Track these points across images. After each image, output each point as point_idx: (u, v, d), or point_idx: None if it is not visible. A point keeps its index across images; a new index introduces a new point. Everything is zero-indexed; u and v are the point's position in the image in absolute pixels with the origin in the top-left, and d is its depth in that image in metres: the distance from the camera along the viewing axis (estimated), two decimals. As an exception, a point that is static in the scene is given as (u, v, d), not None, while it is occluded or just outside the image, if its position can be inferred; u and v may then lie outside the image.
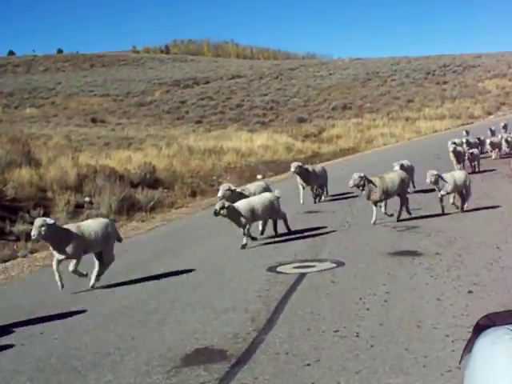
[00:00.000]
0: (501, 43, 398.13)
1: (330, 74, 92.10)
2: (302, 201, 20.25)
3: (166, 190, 25.38)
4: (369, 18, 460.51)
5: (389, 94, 74.05)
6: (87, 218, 18.57)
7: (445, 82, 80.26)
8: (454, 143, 25.08)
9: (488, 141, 28.64)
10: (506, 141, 28.72)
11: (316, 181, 20.86)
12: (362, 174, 15.90)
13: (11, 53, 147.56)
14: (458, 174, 17.21)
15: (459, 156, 23.46)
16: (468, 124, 54.58)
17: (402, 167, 19.30)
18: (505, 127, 34.52)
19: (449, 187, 16.48)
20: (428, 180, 16.61)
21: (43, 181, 22.02)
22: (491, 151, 28.93)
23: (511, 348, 2.01)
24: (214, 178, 30.76)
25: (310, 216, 18.32)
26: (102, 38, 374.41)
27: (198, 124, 61.39)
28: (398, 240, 14.00)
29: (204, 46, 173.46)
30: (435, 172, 16.70)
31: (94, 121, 61.25)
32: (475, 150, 25.09)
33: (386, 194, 16.21)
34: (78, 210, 20.38)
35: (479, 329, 2.25)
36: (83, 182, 22.79)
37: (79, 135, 46.67)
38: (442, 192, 16.59)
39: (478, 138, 28.59)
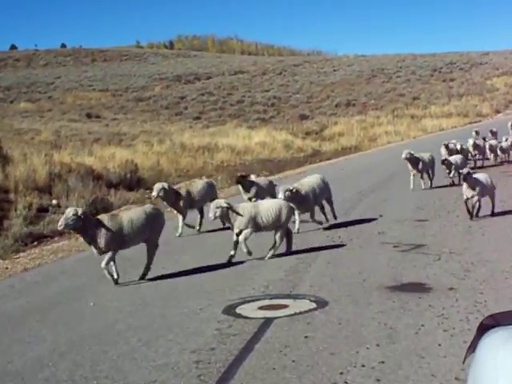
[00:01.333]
0: (508, 41, 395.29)
1: (335, 71, 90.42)
2: None
3: (148, 191, 23.21)
4: (375, 15, 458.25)
5: (394, 90, 72.36)
6: (48, 224, 16.79)
7: (451, 80, 78.50)
8: (447, 146, 23.83)
9: (487, 144, 26.08)
10: (501, 148, 26.14)
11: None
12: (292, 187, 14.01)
13: (13, 47, 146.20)
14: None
15: (413, 163, 20.91)
16: (476, 122, 52.98)
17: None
18: (494, 134, 32.46)
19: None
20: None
21: (8, 180, 19.87)
22: (490, 155, 26.40)
23: None
24: (205, 177, 28.68)
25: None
26: (106, 34, 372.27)
27: (197, 120, 60.17)
28: (400, 266, 10.94)
29: (208, 42, 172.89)
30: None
31: (89, 116, 59.67)
32: (456, 157, 21.97)
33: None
34: (40, 215, 17.91)
35: (483, 329, 2.24)
36: (53, 182, 20.64)
37: (70, 130, 45.03)
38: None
39: (461, 145, 24.96)
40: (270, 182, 17.78)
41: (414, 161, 20.90)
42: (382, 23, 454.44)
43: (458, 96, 66.98)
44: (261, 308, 9.21)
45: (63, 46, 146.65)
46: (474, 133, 30.86)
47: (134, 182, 24.23)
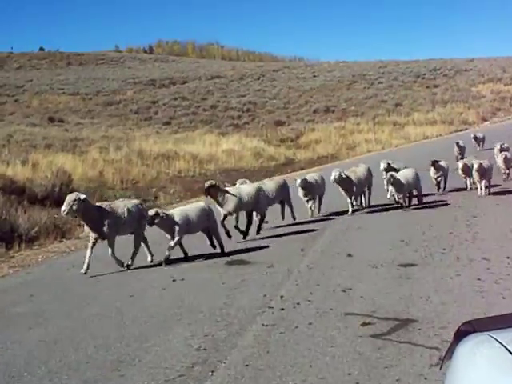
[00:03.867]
0: (493, 48, 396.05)
1: (315, 77, 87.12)
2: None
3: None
4: (358, 22, 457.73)
5: (375, 96, 69.06)
6: None
7: (435, 86, 75.27)
8: (388, 165, 19.07)
9: (460, 164, 20.42)
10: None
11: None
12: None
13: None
14: None
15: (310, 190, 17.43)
16: (462, 130, 49.87)
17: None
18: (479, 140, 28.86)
19: None
20: None
21: None
22: (464, 177, 20.74)
23: (491, 354, 2.08)
24: (154, 189, 25.28)
25: (227, 271, 11.70)
26: (86, 38, 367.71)
27: (166, 125, 57.32)
28: (370, 374, 6.38)
29: (188, 48, 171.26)
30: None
31: (51, 120, 56.17)
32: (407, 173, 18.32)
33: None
34: None
35: (460, 335, 2.35)
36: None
37: (23, 135, 41.43)
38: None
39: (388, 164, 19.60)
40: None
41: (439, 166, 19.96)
42: (364, 31, 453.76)
43: (443, 103, 63.77)
44: None
45: (41, 49, 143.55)
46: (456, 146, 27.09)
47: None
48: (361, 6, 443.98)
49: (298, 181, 17.04)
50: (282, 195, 16.49)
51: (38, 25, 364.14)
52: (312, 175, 18.21)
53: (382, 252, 12.17)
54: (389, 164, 18.93)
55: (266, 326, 7.98)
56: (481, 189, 19.21)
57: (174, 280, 10.89)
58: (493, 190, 19.63)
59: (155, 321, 8.57)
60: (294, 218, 16.54)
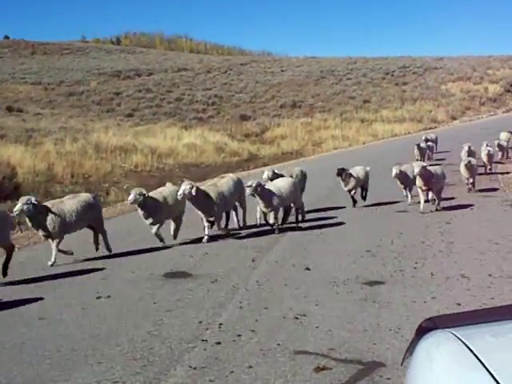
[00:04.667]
0: (463, 47, 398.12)
1: (282, 71, 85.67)
2: None
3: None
4: (327, 18, 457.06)
5: (343, 93, 67.83)
6: None
7: (404, 83, 74.27)
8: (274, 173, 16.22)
9: (394, 171, 17.16)
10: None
11: None
12: None
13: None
14: None
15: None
16: (431, 128, 48.79)
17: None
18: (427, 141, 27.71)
19: None
20: None
21: None
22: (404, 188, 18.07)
23: (451, 351, 2.08)
24: (107, 185, 23.65)
25: (162, 286, 9.96)
26: (53, 28, 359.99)
27: (129, 118, 55.98)
28: None
29: (157, 40, 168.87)
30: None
31: (9, 109, 54.09)
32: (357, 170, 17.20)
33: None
34: None
35: (422, 331, 2.33)
36: None
37: (-25, 125, 39.54)
38: None
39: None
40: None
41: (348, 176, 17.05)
42: (335, 27, 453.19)
43: (412, 100, 62.83)
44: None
45: (6, 37, 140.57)
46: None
47: (8, 190, 18.99)
48: (331, 2, 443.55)
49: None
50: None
51: (4, 13, 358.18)
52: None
53: (345, 265, 10.60)
54: (274, 172, 16.08)
55: (194, 368, 6.33)
56: (425, 202, 16.18)
57: (98, 297, 9.18)
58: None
59: (58, 357, 6.81)
60: (244, 223, 14.91)
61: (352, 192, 17.24)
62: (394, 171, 16.80)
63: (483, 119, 55.71)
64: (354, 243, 12.48)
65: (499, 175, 22.59)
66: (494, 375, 1.84)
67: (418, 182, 15.91)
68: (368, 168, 17.82)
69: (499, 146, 26.03)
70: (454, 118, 56.66)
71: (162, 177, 26.27)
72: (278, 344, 6.90)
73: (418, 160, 24.55)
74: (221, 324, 7.76)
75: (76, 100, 64.04)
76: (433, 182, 15.82)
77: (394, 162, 18.56)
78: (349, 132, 47.04)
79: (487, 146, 22.86)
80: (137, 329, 7.63)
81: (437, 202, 16.24)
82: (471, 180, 18.80)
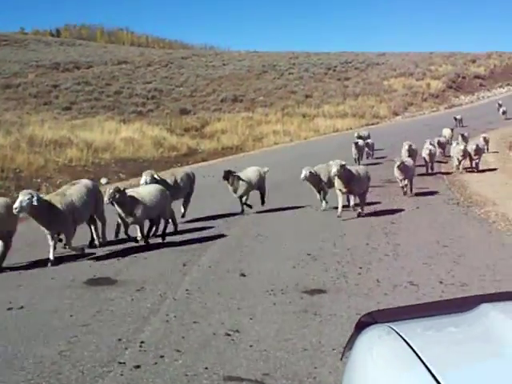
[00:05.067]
0: (405, 43, 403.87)
1: (224, 65, 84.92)
2: None
3: None
4: (270, 13, 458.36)
5: (285, 87, 67.37)
6: None
7: (347, 79, 74.18)
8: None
9: (304, 172, 15.78)
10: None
11: None
12: None
13: None
14: None
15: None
16: (373, 124, 48.55)
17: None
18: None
19: None
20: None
21: None
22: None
23: (389, 345, 2.08)
24: (39, 180, 22.65)
25: (82, 295, 8.97)
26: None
27: (66, 111, 54.42)
28: None
29: (97, 33, 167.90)
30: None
31: None
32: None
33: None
34: None
35: (361, 326, 2.37)
36: None
37: None
38: None
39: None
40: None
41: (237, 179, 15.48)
42: (278, 22, 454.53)
43: (354, 96, 62.63)
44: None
45: None
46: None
47: None
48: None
49: None
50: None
51: None
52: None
53: (284, 270, 9.86)
54: (153, 177, 14.22)
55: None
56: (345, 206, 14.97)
57: (9, 308, 8.21)
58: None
59: None
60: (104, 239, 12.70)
61: (243, 198, 15.72)
62: (304, 173, 15.31)
63: (425, 115, 55.80)
64: (294, 246, 11.73)
65: (444, 175, 22.19)
66: (430, 368, 1.85)
67: (337, 183, 14.69)
68: (266, 169, 16.25)
69: (439, 143, 25.74)
70: (396, 114, 56.68)
71: (97, 172, 25.37)
72: (206, 368, 6.08)
73: (355, 159, 24.12)
74: (142, 342, 6.89)
75: (12, 92, 62.31)
76: (353, 183, 14.64)
77: (335, 157, 17.44)
78: (290, 127, 46.56)
79: (430, 144, 23.04)
80: (47, 347, 6.71)
81: (360, 206, 15.06)
82: (405, 182, 17.77)
